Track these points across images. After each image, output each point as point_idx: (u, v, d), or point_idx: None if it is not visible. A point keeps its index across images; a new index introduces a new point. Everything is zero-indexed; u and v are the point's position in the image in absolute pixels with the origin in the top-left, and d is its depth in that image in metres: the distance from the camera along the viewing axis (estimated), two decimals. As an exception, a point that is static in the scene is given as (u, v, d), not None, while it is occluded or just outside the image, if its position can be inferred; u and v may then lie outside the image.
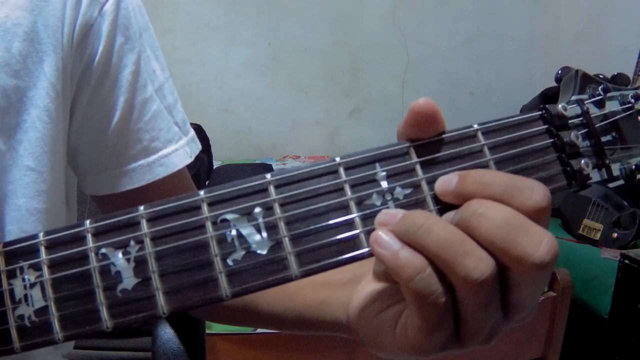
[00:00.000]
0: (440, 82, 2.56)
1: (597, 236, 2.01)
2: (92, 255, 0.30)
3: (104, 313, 0.30)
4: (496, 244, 0.28)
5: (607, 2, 2.45)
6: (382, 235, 0.29)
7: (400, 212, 0.30)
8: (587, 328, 1.79)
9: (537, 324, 1.75)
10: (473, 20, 2.57)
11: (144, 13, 0.53)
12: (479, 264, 0.28)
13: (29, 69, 0.45)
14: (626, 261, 1.57)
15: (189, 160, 0.55)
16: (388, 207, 0.31)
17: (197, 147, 0.57)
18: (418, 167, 0.32)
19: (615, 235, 1.98)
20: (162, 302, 0.29)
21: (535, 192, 0.29)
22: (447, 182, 0.31)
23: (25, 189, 0.46)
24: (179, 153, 0.54)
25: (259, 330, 1.48)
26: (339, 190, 0.31)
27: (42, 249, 0.30)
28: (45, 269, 0.30)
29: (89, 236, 0.30)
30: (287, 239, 0.30)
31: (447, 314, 0.30)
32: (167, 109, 0.54)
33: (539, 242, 0.29)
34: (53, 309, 0.30)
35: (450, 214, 0.30)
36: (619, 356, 1.59)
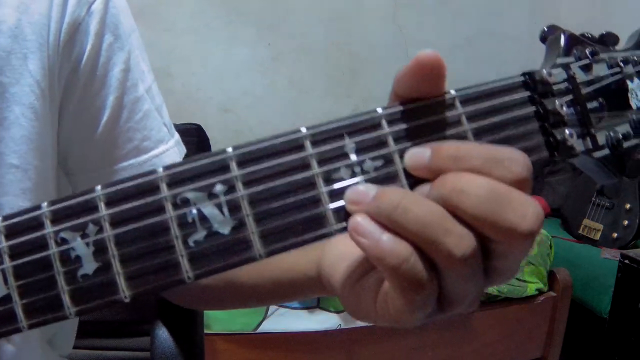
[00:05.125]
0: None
1: (597, 236, 2.01)
2: (51, 240, 0.29)
3: (66, 299, 0.29)
4: (481, 220, 0.27)
5: (607, 2, 2.45)
6: (361, 222, 0.28)
7: (372, 189, 0.28)
8: (587, 328, 1.79)
9: (537, 324, 1.75)
10: (473, 20, 2.57)
11: (130, 15, 0.54)
12: (461, 242, 0.27)
13: (12, 65, 0.45)
14: (626, 261, 1.57)
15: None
16: (357, 182, 0.29)
17: (183, 150, 0.58)
18: (390, 139, 0.30)
19: (615, 235, 1.98)
20: (123, 287, 0.28)
21: (514, 163, 0.28)
22: (419, 156, 0.29)
23: (8, 187, 0.45)
24: (169, 153, 0.54)
25: (259, 330, 1.48)
26: (306, 166, 0.29)
27: (2, 237, 0.29)
28: (5, 257, 0.29)
29: (47, 221, 0.29)
30: (250, 218, 0.28)
31: (432, 294, 0.29)
32: (157, 109, 0.54)
33: (524, 213, 0.27)
34: (16, 297, 0.29)
35: (425, 187, 0.29)
36: (619, 356, 1.59)
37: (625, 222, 1.96)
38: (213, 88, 2.36)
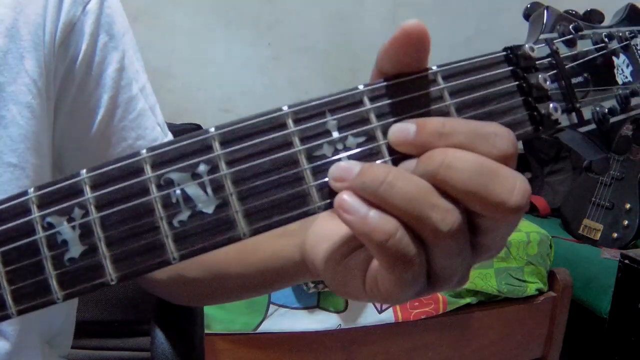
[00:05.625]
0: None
1: (597, 236, 2.01)
2: (37, 225, 0.29)
3: (54, 284, 0.29)
4: (470, 195, 0.27)
5: (607, 2, 2.45)
6: (346, 199, 0.27)
7: (356, 166, 0.28)
8: (587, 328, 1.79)
9: (537, 324, 1.75)
10: (473, 20, 2.57)
11: (125, 16, 0.54)
12: (447, 216, 0.27)
13: (9, 64, 0.45)
14: (626, 261, 1.57)
15: None
16: (340, 159, 0.29)
17: None
18: (372, 115, 0.30)
19: (615, 235, 1.98)
20: (110, 270, 0.28)
21: (499, 138, 0.28)
22: (404, 132, 0.28)
23: (6, 185, 0.45)
24: None
25: (259, 330, 1.48)
26: (288, 144, 0.29)
27: None
28: None
29: (34, 206, 0.29)
30: (233, 196, 0.28)
31: (421, 270, 0.29)
32: (151, 108, 0.55)
33: (512, 188, 0.27)
34: (5, 283, 0.29)
35: (409, 163, 0.28)
36: (619, 356, 1.59)
37: (625, 222, 1.96)
38: (213, 88, 2.36)
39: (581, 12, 0.35)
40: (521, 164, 2.50)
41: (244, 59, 2.38)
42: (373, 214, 0.27)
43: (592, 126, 0.33)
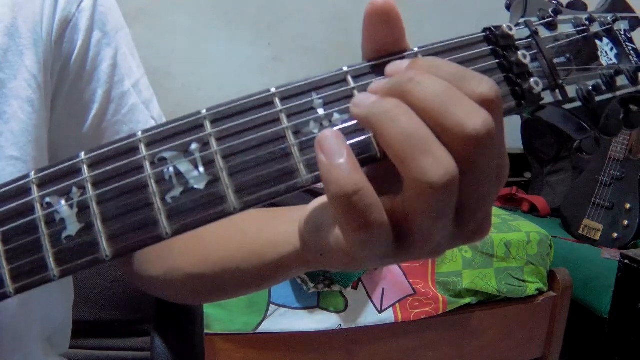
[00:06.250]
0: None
1: (597, 236, 2.01)
2: (37, 205, 0.30)
3: (51, 261, 0.30)
4: (427, 112, 0.27)
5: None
6: (329, 136, 0.28)
7: (371, 97, 0.28)
8: (587, 328, 1.79)
9: (537, 324, 1.75)
10: (473, 20, 2.57)
11: (120, 14, 0.56)
12: (440, 164, 0.26)
13: (9, 62, 0.47)
14: (626, 261, 1.57)
15: None
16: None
17: None
18: (356, 92, 0.30)
19: (615, 235, 1.98)
20: (105, 246, 0.29)
21: (483, 83, 0.28)
22: (398, 65, 0.29)
23: (9, 178, 0.46)
24: None
25: (259, 330, 1.48)
26: (275, 120, 0.30)
27: None
28: None
29: (34, 187, 0.30)
30: (224, 172, 0.29)
31: (377, 227, 0.28)
32: (144, 103, 0.56)
33: (472, 113, 0.27)
34: (4, 262, 0.30)
35: (383, 81, 0.29)
36: (619, 356, 1.59)
37: (625, 222, 1.96)
38: (213, 88, 2.36)
39: (564, 3, 0.36)
40: (521, 164, 2.50)
41: (244, 59, 2.38)
42: (343, 162, 0.27)
43: (577, 104, 0.33)
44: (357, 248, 0.29)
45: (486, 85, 0.28)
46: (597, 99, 0.33)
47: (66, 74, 0.51)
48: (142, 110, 0.56)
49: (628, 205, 1.97)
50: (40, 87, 0.48)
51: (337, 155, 0.28)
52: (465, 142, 0.27)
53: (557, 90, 0.33)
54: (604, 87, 0.34)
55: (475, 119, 0.27)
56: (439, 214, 0.28)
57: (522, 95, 0.31)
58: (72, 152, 0.53)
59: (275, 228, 0.41)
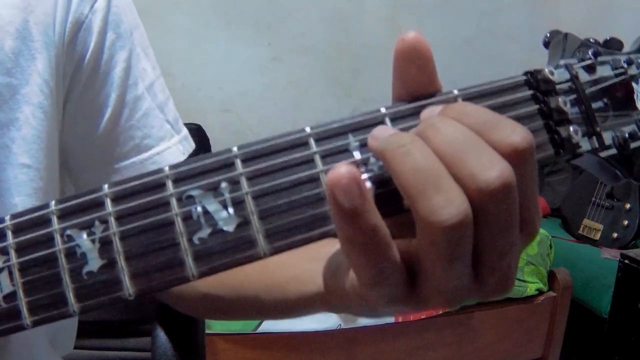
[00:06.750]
0: (440, 82, 2.56)
1: (597, 236, 2.01)
2: (57, 237, 0.29)
3: (71, 296, 0.29)
4: (442, 158, 0.26)
5: (607, 2, 2.45)
6: (345, 175, 0.25)
7: (389, 130, 0.28)
8: (587, 328, 1.79)
9: (537, 324, 1.75)
10: (473, 20, 2.57)
11: (135, 12, 0.54)
12: (450, 203, 0.25)
13: (21, 66, 0.45)
14: (626, 261, 1.58)
15: (182, 158, 0.55)
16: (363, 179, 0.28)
17: (191, 145, 0.57)
18: None
19: (615, 235, 1.98)
20: (127, 284, 0.28)
21: (516, 132, 0.26)
22: (432, 111, 0.29)
23: (21, 187, 0.46)
24: (171, 151, 0.54)
25: (259, 330, 1.48)
26: (309, 162, 0.29)
27: (9, 233, 0.29)
28: (12, 253, 0.29)
29: (54, 218, 0.29)
30: (254, 214, 0.28)
31: (389, 266, 0.27)
32: (159, 107, 0.55)
33: (489, 164, 0.25)
34: (21, 294, 0.29)
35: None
36: (619, 356, 1.59)
37: (625, 222, 1.96)
38: (213, 88, 2.36)
39: (601, 40, 0.35)
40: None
41: (244, 59, 2.38)
42: (359, 203, 0.25)
43: (613, 151, 0.32)
44: (367, 287, 0.28)
45: (518, 135, 0.26)
46: (632, 145, 0.33)
47: (78, 77, 0.49)
48: (157, 115, 0.54)
49: (628, 205, 1.97)
50: (52, 92, 0.47)
51: (350, 194, 0.26)
52: (477, 193, 0.25)
53: (594, 137, 0.32)
54: (639, 134, 0.33)
55: (490, 171, 0.25)
56: (450, 259, 0.26)
57: (561, 143, 0.30)
58: (84, 157, 0.53)
59: (300, 264, 0.40)
